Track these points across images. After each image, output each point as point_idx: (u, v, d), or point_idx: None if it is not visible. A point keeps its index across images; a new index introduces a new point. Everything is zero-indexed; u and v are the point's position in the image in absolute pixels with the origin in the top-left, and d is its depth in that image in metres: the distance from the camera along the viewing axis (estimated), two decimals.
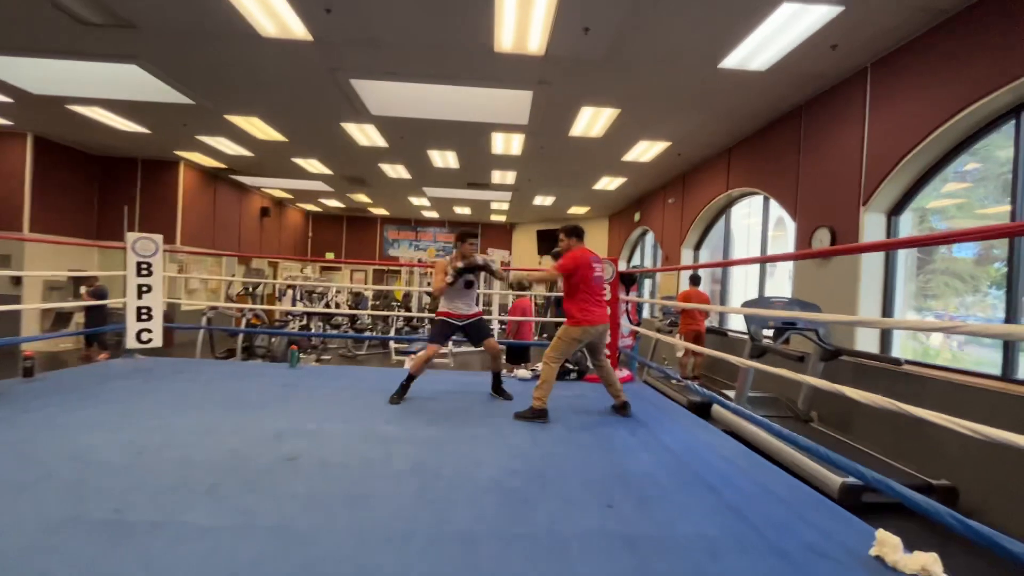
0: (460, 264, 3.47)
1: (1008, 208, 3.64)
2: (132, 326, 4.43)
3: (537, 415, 3.14)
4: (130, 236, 4.43)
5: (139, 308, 4.45)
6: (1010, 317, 3.55)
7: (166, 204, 10.08)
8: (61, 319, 8.87)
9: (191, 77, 5.69)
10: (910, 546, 1.68)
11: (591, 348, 3.42)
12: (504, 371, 3.89)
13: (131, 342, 4.43)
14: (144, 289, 4.46)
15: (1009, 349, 3.55)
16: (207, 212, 11.11)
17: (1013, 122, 3.61)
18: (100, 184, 9.95)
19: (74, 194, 9.42)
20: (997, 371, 3.60)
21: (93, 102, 6.67)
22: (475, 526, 1.76)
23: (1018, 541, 1.34)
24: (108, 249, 9.53)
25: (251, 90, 6.02)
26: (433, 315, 3.86)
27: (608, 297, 3.84)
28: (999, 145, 3.82)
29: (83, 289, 7.27)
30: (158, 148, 9.09)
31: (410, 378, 3.49)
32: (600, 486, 2.17)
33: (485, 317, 3.86)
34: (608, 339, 3.49)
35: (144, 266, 4.46)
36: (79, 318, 8.74)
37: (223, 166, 10.26)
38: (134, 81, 5.75)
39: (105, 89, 6.17)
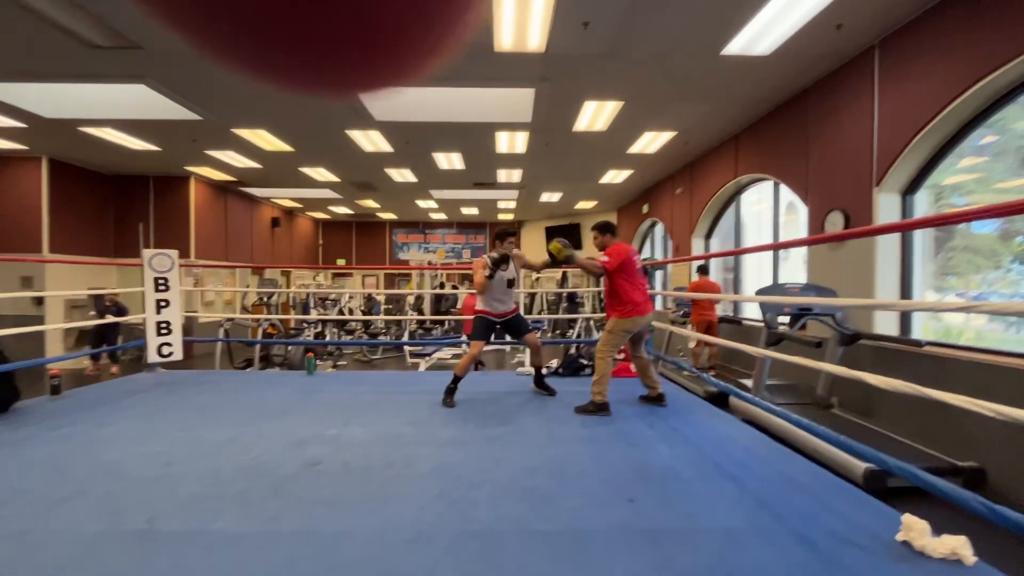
0: (495, 254, 3.57)
1: None
2: (153, 341, 4.52)
3: (600, 408, 3.24)
4: (146, 253, 4.52)
5: (159, 323, 4.53)
6: None
7: (178, 219, 10.25)
8: (84, 337, 9.08)
9: (198, 93, 5.78)
10: (939, 529, 1.66)
11: (634, 339, 3.51)
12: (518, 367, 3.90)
13: (152, 356, 4.53)
14: (163, 304, 4.55)
15: None
16: (219, 225, 11.28)
17: None
18: (115, 203, 10.14)
19: (90, 214, 9.62)
20: (1022, 348, 3.52)
21: (104, 123, 6.81)
22: (498, 525, 1.77)
23: None
24: (126, 266, 9.73)
25: (257, 103, 6.10)
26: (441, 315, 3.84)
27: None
28: (1016, 117, 3.73)
29: (109, 315, 7.39)
30: (168, 164, 9.24)
31: (456, 380, 3.52)
32: (620, 481, 2.18)
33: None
34: (651, 329, 3.55)
35: (161, 281, 4.55)
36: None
37: (232, 179, 10.40)
38: (143, 100, 5.86)
39: (115, 109, 6.29)
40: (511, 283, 3.72)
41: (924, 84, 4.09)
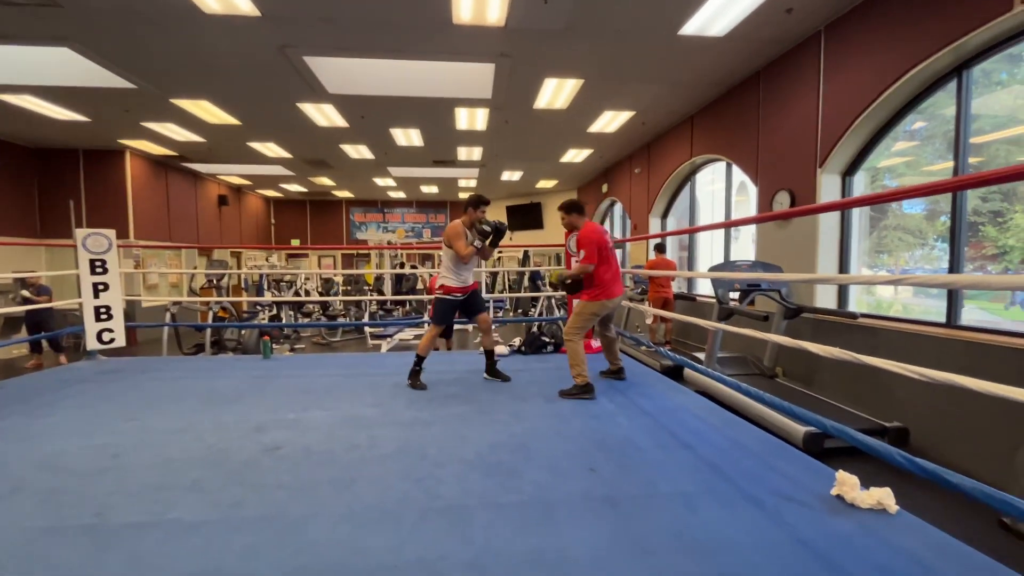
0: (486, 227, 3.36)
1: (951, 164, 3.84)
2: (91, 327, 4.25)
3: (583, 390, 3.19)
4: (79, 232, 4.21)
5: (97, 308, 4.26)
6: (953, 267, 3.78)
7: (114, 196, 9.54)
8: (10, 324, 8.40)
9: (130, 59, 5.33)
10: (867, 483, 1.82)
11: (604, 318, 3.47)
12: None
13: (92, 343, 4.26)
14: (101, 287, 4.27)
15: (952, 298, 3.80)
16: (160, 203, 10.59)
17: (955, 81, 3.78)
18: (40, 179, 9.31)
19: (10, 191, 8.80)
20: (942, 319, 3.85)
21: (23, 89, 6.18)
22: (464, 500, 1.81)
23: (958, 473, 1.48)
24: (56, 247, 9.01)
25: (198, 72, 5.69)
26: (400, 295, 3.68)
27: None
28: (943, 103, 3.99)
29: (25, 292, 6.85)
30: (100, 137, 8.54)
31: (420, 361, 3.43)
32: (582, 453, 2.26)
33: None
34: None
35: (98, 263, 4.25)
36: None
37: (173, 153, 9.74)
38: (67, 65, 5.35)
39: (35, 75, 5.72)
40: (478, 252, 3.56)
41: (865, 69, 4.30)
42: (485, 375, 3.68)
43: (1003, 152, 3.70)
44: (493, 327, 3.72)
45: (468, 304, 3.58)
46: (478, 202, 3.47)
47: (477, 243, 3.40)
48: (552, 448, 2.31)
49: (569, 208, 3.43)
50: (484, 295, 7.58)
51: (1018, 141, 3.62)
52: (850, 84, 4.46)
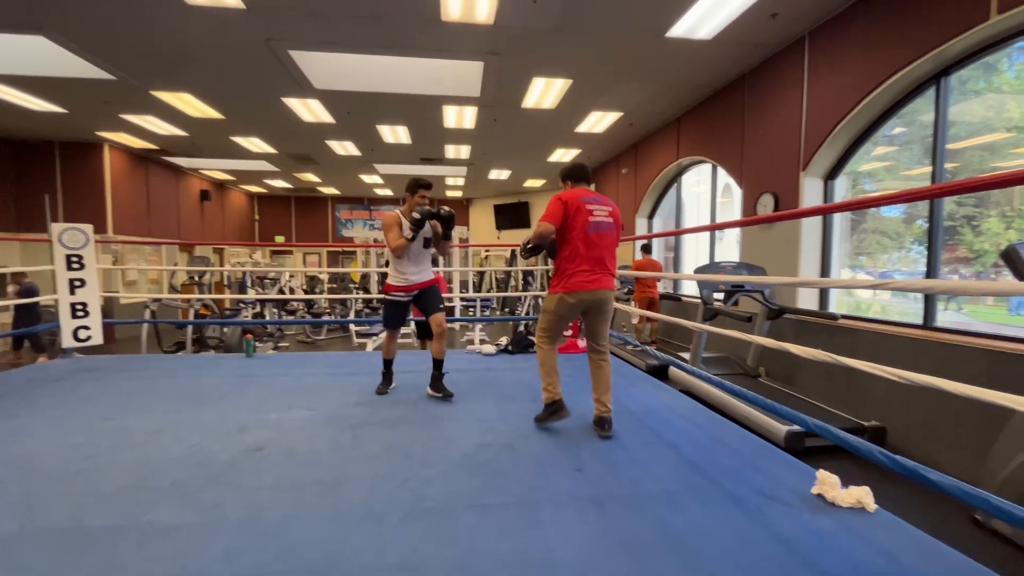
0: (416, 214, 2.90)
1: (929, 169, 3.93)
2: (67, 324, 4.14)
3: (551, 412, 2.56)
4: (55, 227, 4.09)
5: (73, 304, 4.15)
6: (930, 270, 3.88)
7: (92, 190, 9.30)
8: None
9: (109, 49, 5.20)
10: (847, 482, 1.86)
11: (587, 328, 2.63)
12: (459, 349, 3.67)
13: (68, 341, 4.15)
14: (77, 284, 4.16)
15: (929, 300, 3.89)
16: (140, 198, 10.35)
17: (934, 88, 3.87)
18: (14, 171, 9.04)
19: None
20: (919, 320, 3.95)
21: None
22: (450, 500, 1.80)
23: (936, 471, 1.51)
24: (31, 242, 8.76)
25: (180, 63, 5.58)
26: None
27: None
28: (922, 110, 4.09)
29: (10, 288, 6.67)
30: (77, 129, 8.32)
31: (387, 364, 3.29)
32: (568, 452, 2.26)
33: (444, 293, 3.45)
34: (609, 316, 2.62)
35: (75, 259, 4.14)
36: (5, 318, 8.04)
37: (154, 147, 9.53)
38: (42, 54, 5.20)
39: (8, 64, 5.55)
40: (428, 243, 3.09)
41: (847, 74, 4.38)
42: (429, 390, 3.16)
43: (977, 158, 3.80)
44: (479, 327, 3.66)
45: (420, 303, 3.16)
46: (416, 186, 2.97)
47: (408, 233, 2.92)
48: (538, 447, 2.31)
49: (564, 176, 2.67)
50: (471, 294, 7.57)
51: (992, 147, 3.72)
52: (833, 89, 4.54)
